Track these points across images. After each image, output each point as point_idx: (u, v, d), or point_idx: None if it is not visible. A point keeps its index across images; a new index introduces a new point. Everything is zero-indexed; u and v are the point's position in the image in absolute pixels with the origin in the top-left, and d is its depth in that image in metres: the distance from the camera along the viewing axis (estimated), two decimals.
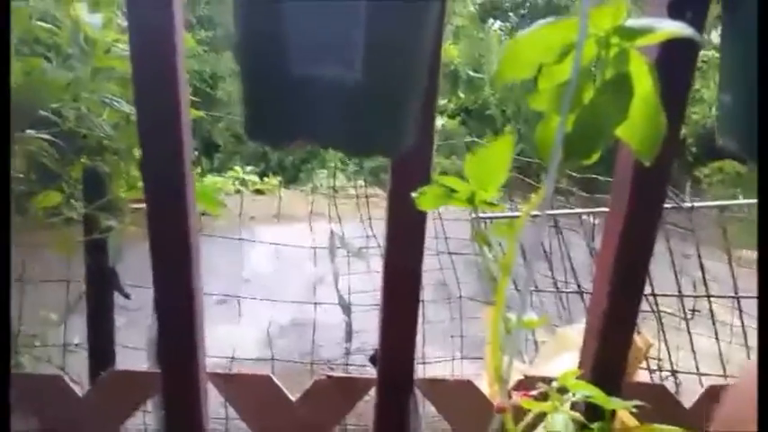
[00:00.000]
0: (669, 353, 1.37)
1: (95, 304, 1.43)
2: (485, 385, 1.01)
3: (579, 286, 1.88)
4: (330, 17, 0.46)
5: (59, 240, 1.31)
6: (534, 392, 0.74)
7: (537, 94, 0.53)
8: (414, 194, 0.57)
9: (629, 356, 0.93)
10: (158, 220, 0.79)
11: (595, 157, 0.53)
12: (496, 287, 0.61)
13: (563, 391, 0.75)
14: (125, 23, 1.25)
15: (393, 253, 0.83)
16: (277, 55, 0.47)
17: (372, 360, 0.92)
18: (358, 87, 0.47)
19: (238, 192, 9.43)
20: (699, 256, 1.51)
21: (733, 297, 1.43)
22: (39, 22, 1.18)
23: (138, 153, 1.37)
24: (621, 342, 0.86)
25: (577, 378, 0.72)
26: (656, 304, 1.35)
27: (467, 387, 0.95)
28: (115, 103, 1.03)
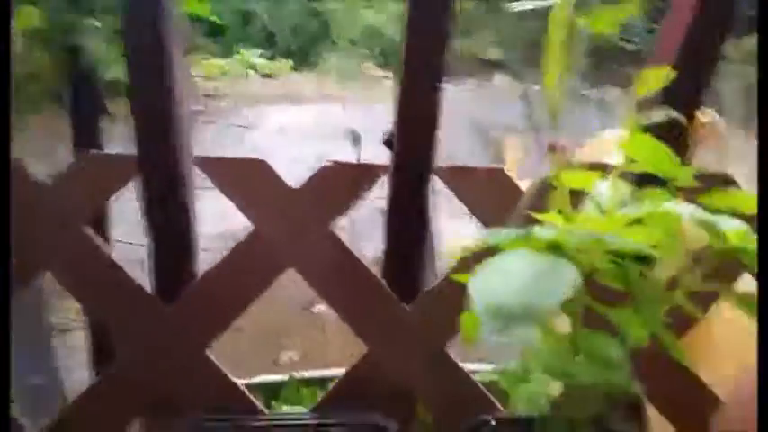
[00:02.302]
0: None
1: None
2: None
3: None
4: None
5: None
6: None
7: None
8: None
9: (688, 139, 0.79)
10: None
11: None
12: None
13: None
14: None
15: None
16: None
17: (388, 143, 0.78)
18: None
19: (246, 76, 9.14)
20: None
21: None
22: None
23: None
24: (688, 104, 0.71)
25: None
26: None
27: (497, 175, 0.81)
28: None
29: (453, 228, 1.10)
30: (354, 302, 0.83)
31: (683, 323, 0.84)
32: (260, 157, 0.81)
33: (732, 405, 0.34)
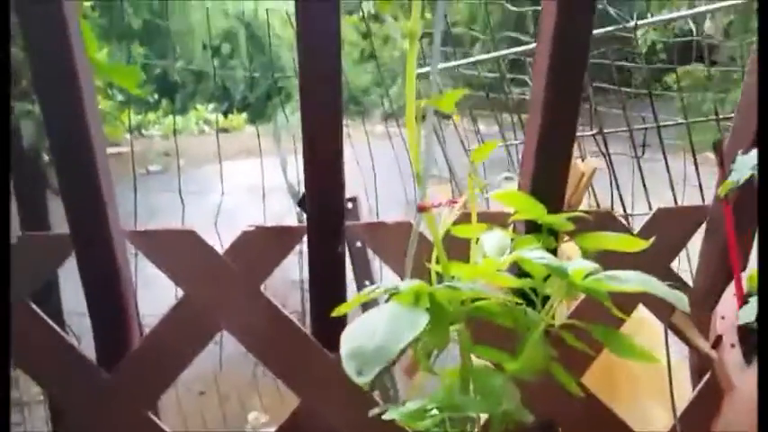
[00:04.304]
0: (621, 194, 1.33)
1: None
2: None
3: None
4: None
5: None
6: (458, 201, 0.68)
7: None
8: None
9: (570, 181, 0.89)
10: None
11: None
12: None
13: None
14: None
15: (310, 92, 0.76)
16: None
17: (301, 204, 0.86)
18: None
19: (202, 132, 9.18)
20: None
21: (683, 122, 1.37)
22: None
23: None
24: (560, 160, 0.81)
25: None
26: (605, 144, 1.30)
27: (405, 228, 0.90)
28: None
29: None
30: (284, 357, 0.90)
31: (581, 358, 0.92)
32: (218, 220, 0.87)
33: (729, 408, 0.39)
